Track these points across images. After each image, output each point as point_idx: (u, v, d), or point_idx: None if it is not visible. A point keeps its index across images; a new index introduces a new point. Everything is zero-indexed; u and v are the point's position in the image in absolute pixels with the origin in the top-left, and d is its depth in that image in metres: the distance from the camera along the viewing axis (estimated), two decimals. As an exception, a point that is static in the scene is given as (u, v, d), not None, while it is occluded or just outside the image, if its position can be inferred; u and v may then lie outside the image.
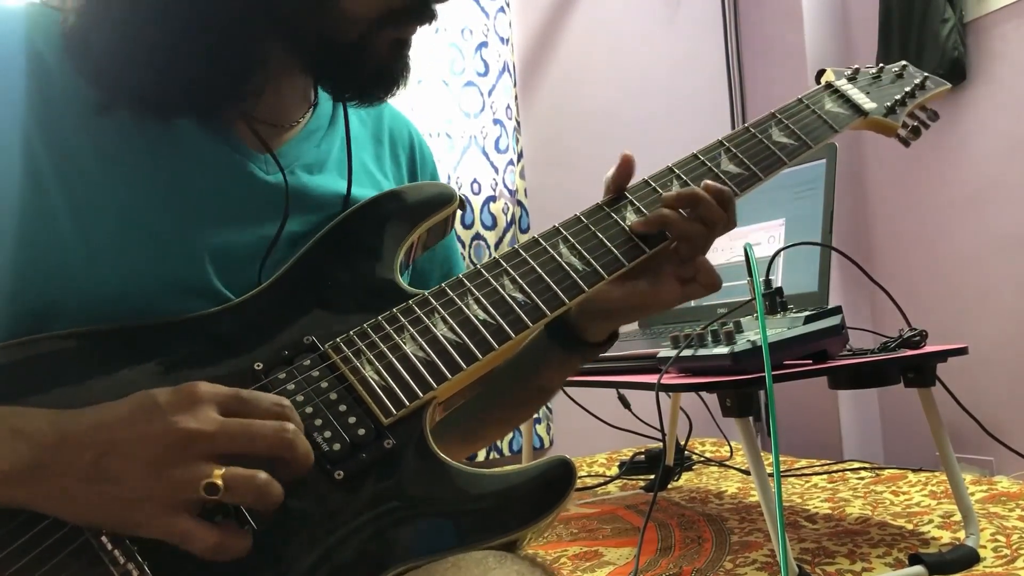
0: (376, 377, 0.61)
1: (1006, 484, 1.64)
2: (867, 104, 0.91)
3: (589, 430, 2.19)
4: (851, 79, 0.94)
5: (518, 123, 2.63)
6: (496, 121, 2.57)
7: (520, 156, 2.63)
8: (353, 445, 0.58)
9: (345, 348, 0.63)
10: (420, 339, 0.64)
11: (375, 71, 0.67)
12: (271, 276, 0.66)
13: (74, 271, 0.59)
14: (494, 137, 2.56)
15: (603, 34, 2.85)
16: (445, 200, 0.74)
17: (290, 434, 0.52)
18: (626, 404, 1.99)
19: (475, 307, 0.66)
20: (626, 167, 0.74)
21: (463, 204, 0.76)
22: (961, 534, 1.31)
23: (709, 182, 0.72)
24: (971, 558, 1.21)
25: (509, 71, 2.61)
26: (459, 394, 0.68)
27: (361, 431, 0.59)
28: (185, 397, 0.52)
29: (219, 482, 0.49)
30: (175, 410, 0.51)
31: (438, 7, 0.69)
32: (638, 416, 1.96)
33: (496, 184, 2.55)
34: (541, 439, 2.57)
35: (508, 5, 2.63)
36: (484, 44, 2.57)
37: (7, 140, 0.60)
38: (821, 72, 0.96)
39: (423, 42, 2.45)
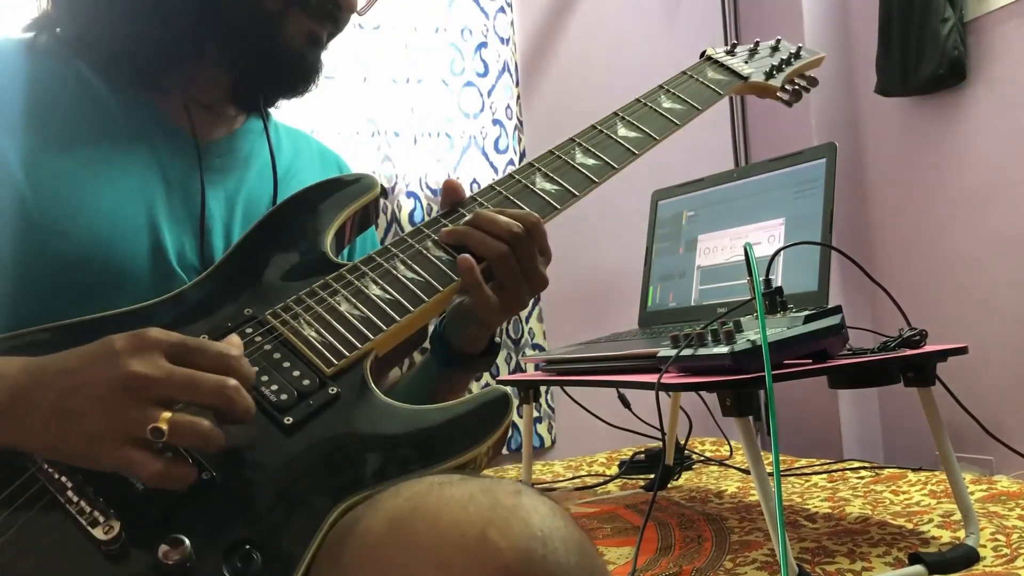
0: (315, 335, 0.66)
1: (1006, 483, 1.64)
2: (746, 70, 1.02)
3: (589, 429, 2.19)
4: (729, 53, 1.06)
5: (520, 122, 2.63)
6: (496, 121, 2.57)
7: (523, 156, 2.63)
8: (300, 395, 0.63)
9: (283, 313, 0.68)
10: (354, 299, 0.69)
11: (288, 58, 0.78)
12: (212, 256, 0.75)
13: (35, 252, 0.66)
14: (493, 137, 2.56)
15: (604, 34, 2.85)
16: (367, 187, 0.81)
17: (230, 390, 0.56)
18: (626, 404, 1.99)
19: (402, 268, 0.72)
20: (451, 192, 0.80)
21: (384, 192, 0.94)
22: (961, 533, 1.31)
23: (513, 211, 0.77)
24: (971, 557, 1.21)
25: (509, 71, 2.61)
26: (394, 353, 0.73)
27: (306, 382, 0.63)
28: (138, 342, 0.56)
29: (164, 426, 0.53)
30: (127, 354, 0.55)
31: (346, 15, 0.80)
32: (638, 415, 1.97)
33: (496, 184, 2.55)
34: (542, 438, 2.57)
35: (509, 5, 2.63)
36: (484, 44, 2.57)
37: None
38: (703, 53, 1.07)
39: (423, 42, 2.45)
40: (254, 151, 0.84)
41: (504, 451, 2.52)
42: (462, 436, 0.62)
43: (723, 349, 1.11)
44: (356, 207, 0.80)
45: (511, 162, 2.58)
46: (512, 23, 2.65)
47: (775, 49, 1.08)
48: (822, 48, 2.71)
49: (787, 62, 1.06)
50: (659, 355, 1.22)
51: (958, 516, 1.36)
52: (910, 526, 1.43)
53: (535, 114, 2.73)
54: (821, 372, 1.19)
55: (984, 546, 1.27)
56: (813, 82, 1.09)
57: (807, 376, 1.18)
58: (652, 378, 1.18)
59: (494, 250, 0.73)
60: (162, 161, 0.76)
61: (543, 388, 2.54)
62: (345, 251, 0.89)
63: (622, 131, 0.88)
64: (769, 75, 1.03)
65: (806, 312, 1.17)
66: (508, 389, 0.66)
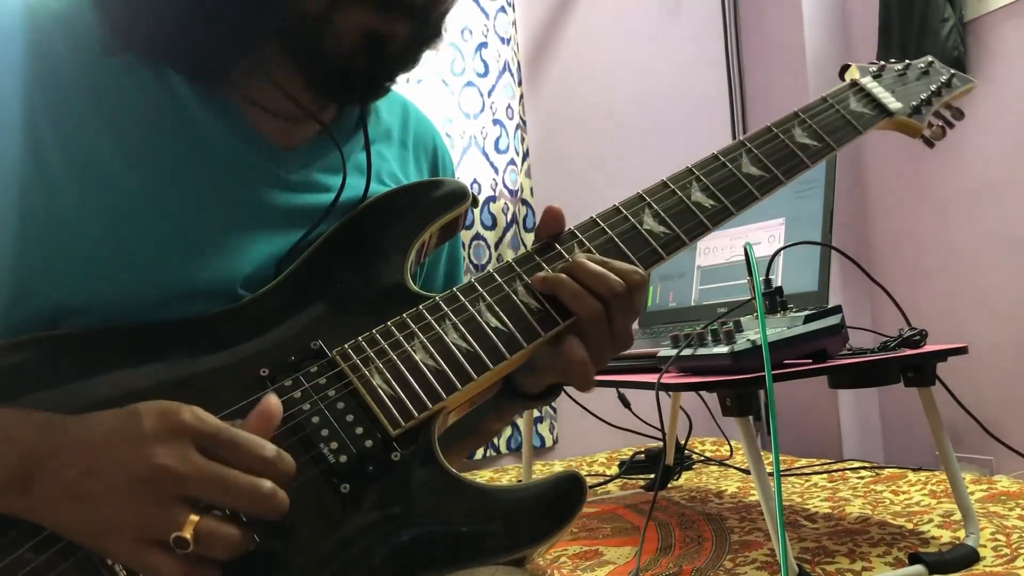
0: (385, 386, 0.60)
1: (1006, 483, 1.64)
2: (893, 104, 0.87)
3: (589, 429, 2.19)
4: (876, 76, 0.90)
5: (523, 122, 2.63)
6: (496, 121, 2.57)
7: (526, 155, 2.63)
8: (360, 457, 0.57)
9: (353, 355, 0.60)
10: (431, 347, 0.62)
11: (341, 61, 0.62)
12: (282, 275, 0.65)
13: (92, 273, 0.58)
14: (494, 137, 2.56)
15: (605, 33, 2.86)
16: (458, 197, 0.71)
17: (266, 496, 0.50)
18: (626, 404, 1.99)
19: (487, 314, 0.64)
20: (551, 221, 0.69)
21: (475, 201, 0.75)
22: (961, 533, 1.31)
23: (617, 264, 0.65)
24: (971, 557, 1.21)
25: (510, 71, 2.61)
26: (467, 402, 0.66)
27: (368, 443, 0.57)
28: (168, 427, 0.50)
29: (188, 536, 0.48)
30: (155, 440, 0.49)
31: (423, 3, 0.63)
32: (638, 415, 1.97)
33: (496, 184, 2.55)
34: (543, 438, 2.57)
35: (511, 5, 2.63)
36: (484, 44, 2.57)
37: (13, 137, 0.58)
38: (845, 68, 0.92)
39: (423, 42, 2.45)
40: (344, 155, 0.71)
41: (504, 450, 2.52)
42: (532, 526, 0.57)
43: (723, 349, 1.11)
44: (443, 221, 0.70)
45: (511, 162, 2.58)
46: (514, 23, 2.65)
47: (925, 73, 0.94)
48: (822, 48, 2.73)
49: (936, 94, 0.92)
50: (659, 355, 1.22)
51: (958, 516, 1.36)
52: (910, 526, 1.43)
53: (538, 114, 2.73)
54: (821, 372, 1.20)
55: (984, 546, 1.27)
56: (959, 115, 0.94)
57: (807, 376, 1.18)
58: (652, 378, 1.18)
59: (589, 309, 0.64)
60: (245, 184, 0.65)
61: (543, 388, 2.54)
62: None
63: (747, 167, 0.77)
64: (916, 110, 0.89)
65: (806, 312, 1.17)
66: (580, 474, 0.60)
